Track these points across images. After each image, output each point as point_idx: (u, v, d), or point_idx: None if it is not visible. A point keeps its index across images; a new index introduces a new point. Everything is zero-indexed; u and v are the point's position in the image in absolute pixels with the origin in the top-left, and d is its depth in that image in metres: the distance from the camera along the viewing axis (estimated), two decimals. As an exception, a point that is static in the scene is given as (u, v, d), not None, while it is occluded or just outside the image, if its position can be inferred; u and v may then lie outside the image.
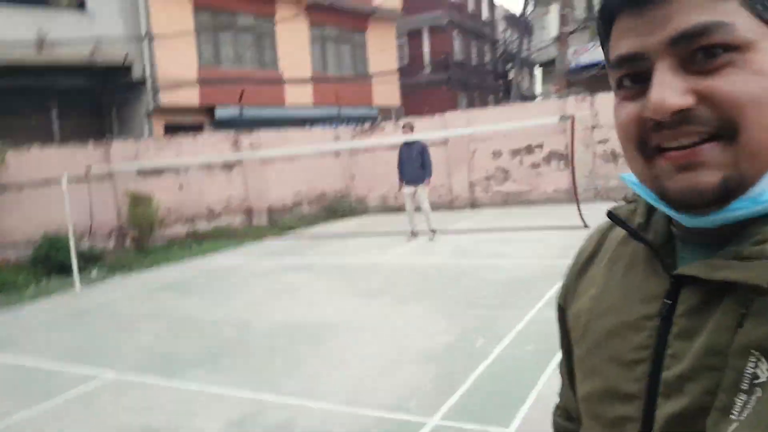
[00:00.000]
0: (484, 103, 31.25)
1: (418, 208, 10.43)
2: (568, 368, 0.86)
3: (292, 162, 14.83)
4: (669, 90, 0.57)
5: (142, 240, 11.94)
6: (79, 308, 7.90)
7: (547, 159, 13.82)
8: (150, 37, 15.17)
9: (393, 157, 15.30)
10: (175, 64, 15.55)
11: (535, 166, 13.97)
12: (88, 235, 10.74)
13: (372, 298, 6.93)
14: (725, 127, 0.57)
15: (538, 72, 26.25)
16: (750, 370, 0.53)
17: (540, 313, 5.64)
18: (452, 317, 5.80)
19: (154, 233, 12.15)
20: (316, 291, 7.61)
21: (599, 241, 0.82)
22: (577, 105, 13.12)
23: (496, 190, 14.43)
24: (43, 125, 14.42)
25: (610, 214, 0.74)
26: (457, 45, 30.08)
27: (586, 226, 5.66)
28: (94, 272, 10.32)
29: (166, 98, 15.50)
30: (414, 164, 10.20)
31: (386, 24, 22.97)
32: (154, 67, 15.30)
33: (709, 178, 0.58)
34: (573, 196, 13.41)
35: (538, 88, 28.65)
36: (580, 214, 5.73)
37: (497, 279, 7.20)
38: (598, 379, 0.71)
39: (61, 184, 8.90)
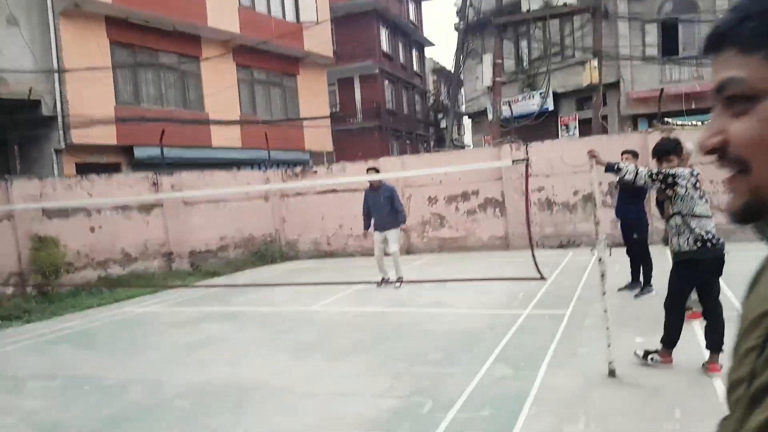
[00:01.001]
0: (414, 151, 31.36)
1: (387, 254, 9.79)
2: None
3: (217, 205, 13.98)
4: (707, 131, 0.72)
5: (45, 286, 10.73)
6: (-42, 367, 6.76)
7: (483, 206, 13.60)
8: (61, 72, 14.13)
9: (324, 201, 14.85)
10: (90, 101, 14.52)
11: (470, 212, 13.72)
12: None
13: (303, 353, 6.20)
14: (740, 163, 0.69)
15: (467, 122, 26.56)
16: None
17: (491, 370, 5.10)
18: (395, 376, 5.16)
19: (60, 278, 10.97)
20: (240, 345, 6.81)
21: None
22: (513, 153, 13.01)
23: (432, 235, 14.07)
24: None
25: (756, 226, 0.77)
26: (388, 94, 30.21)
27: (542, 277, 5.19)
28: (-15, 323, 9.08)
29: (79, 136, 14.40)
30: (383, 210, 9.54)
31: (318, 70, 22.71)
32: (65, 104, 14.22)
33: (735, 202, 0.71)
34: (507, 242, 13.22)
35: (468, 138, 29.01)
36: (536, 264, 5.25)
37: (441, 331, 6.63)
38: (729, 368, 0.73)
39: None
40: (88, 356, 6.77)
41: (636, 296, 7.64)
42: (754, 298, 0.75)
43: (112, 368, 6.14)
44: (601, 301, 4.86)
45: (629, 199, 7.72)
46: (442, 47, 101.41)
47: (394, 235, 9.63)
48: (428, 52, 37.96)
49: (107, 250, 11.92)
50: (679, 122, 14.93)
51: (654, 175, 4.65)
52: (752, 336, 0.68)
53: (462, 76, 25.70)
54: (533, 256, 5.27)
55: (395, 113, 30.79)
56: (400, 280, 9.53)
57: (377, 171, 9.85)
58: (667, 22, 18.90)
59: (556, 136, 20.10)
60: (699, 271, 4.58)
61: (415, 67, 35.71)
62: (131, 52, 16.35)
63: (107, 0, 15.01)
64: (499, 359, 5.38)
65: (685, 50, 18.81)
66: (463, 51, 18.38)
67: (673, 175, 4.59)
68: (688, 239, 4.55)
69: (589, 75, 16.51)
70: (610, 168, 4.70)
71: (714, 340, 4.59)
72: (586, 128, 20.01)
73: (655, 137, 12.07)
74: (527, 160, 4.83)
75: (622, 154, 7.92)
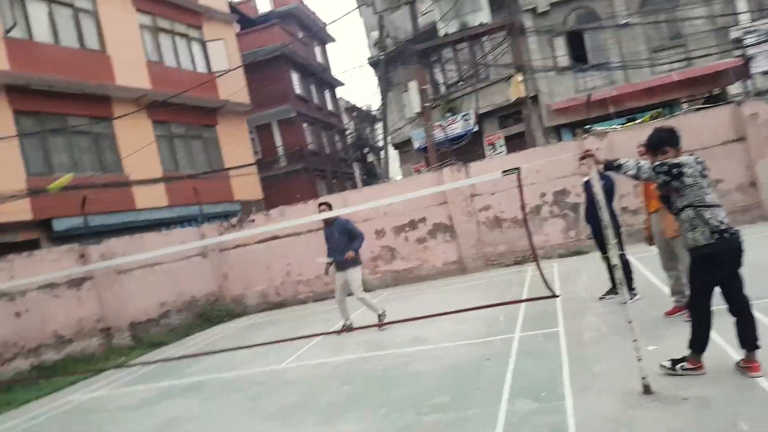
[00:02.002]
0: (342, 189, 31.01)
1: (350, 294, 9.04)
2: None
3: (153, 269, 13.00)
4: None
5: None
6: None
7: (432, 232, 13.32)
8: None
9: (267, 250, 14.16)
10: (-2, 177, 13.38)
11: (420, 240, 13.39)
12: None
13: (291, 418, 5.55)
14: None
15: (393, 154, 26.44)
16: None
17: (512, 407, 4.62)
18: (411, 428, 4.63)
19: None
20: (214, 420, 6.06)
21: None
22: (454, 175, 12.85)
23: (385, 269, 13.62)
24: None
25: None
26: (309, 135, 29.90)
27: (555, 295, 4.68)
28: None
29: (-11, 215, 13.16)
30: (338, 246, 8.79)
31: (237, 118, 22.11)
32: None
33: None
34: (463, 266, 12.91)
35: (395, 168, 28.96)
36: (544, 280, 4.80)
37: (435, 370, 6.14)
38: None
39: None
40: (39, 463, 5.83)
41: (621, 303, 7.40)
42: None
43: (72, 473, 5.27)
44: (624, 311, 4.52)
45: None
46: (350, 86, 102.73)
47: (353, 276, 8.82)
48: (338, 92, 37.96)
49: (37, 335, 10.74)
50: (600, 128, 15.33)
51: (658, 167, 4.28)
52: None
53: (379, 113, 25.76)
54: (540, 271, 4.79)
55: (318, 154, 30.47)
56: (381, 318, 8.77)
57: (329, 206, 9.16)
58: (573, 33, 19.58)
59: (483, 155, 20.28)
60: (720, 264, 4.26)
61: (330, 107, 35.64)
62: (38, 120, 15.24)
63: (4, 67, 13.97)
64: (514, 392, 4.94)
65: (594, 58, 19.52)
66: (386, 81, 18.28)
67: (678, 165, 4.25)
68: (704, 232, 4.23)
69: (515, 89, 16.74)
70: (609, 166, 4.39)
71: (748, 338, 4.22)
72: (511, 145, 20.31)
73: (591, 143, 12.22)
74: (519, 169, 4.41)
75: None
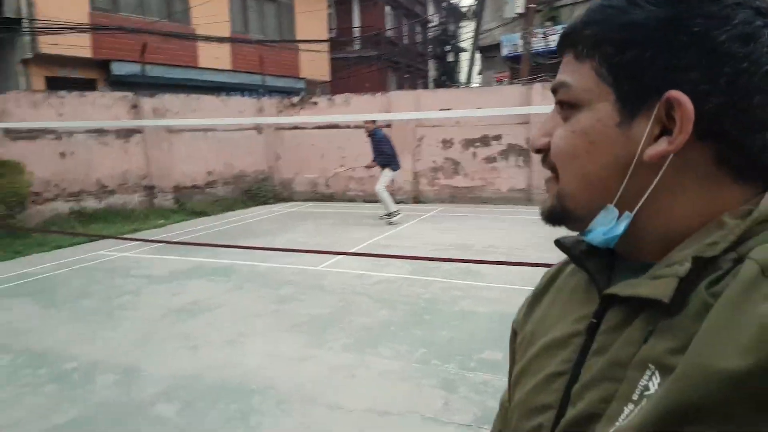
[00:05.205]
0: (412, 86, 29.58)
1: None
2: (510, 383, 0.79)
3: (205, 134, 12.45)
4: (537, 131, 0.69)
5: (9, 219, 9.30)
6: None
7: (505, 153, 12.23)
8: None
9: (325, 137, 13.36)
10: (61, 4, 12.65)
11: (490, 160, 12.35)
12: None
13: (319, 336, 4.95)
14: (553, 168, 0.66)
15: (472, 57, 24.70)
16: (643, 382, 0.53)
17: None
18: (448, 387, 3.93)
19: (25, 211, 9.55)
20: (237, 315, 5.54)
21: (555, 274, 0.79)
22: (545, 93, 11.58)
23: (444, 183, 12.73)
24: None
25: (557, 242, 0.73)
26: (389, 21, 28.16)
27: None
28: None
29: (48, 45, 12.58)
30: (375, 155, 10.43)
31: (318, -14, 20.67)
32: (32, 6, 12.33)
33: (545, 203, 0.68)
34: (530, 196, 11.91)
35: (474, 74, 27.23)
36: None
37: (484, 315, 5.40)
38: (524, 391, 0.70)
39: None
40: (50, 320, 5.45)
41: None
42: (549, 316, 0.72)
43: (77, 342, 4.85)
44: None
45: None
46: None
47: (383, 175, 10.33)
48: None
49: (80, 180, 10.46)
50: None
51: None
52: (556, 360, 0.65)
53: (472, 9, 23.74)
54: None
55: (395, 43, 28.83)
56: (392, 215, 10.34)
57: (372, 122, 10.28)
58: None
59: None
60: None
61: (418, -6, 33.42)
62: (109, -53, 14.30)
63: None
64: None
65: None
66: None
67: None
68: None
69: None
70: None
71: None
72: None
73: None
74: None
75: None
